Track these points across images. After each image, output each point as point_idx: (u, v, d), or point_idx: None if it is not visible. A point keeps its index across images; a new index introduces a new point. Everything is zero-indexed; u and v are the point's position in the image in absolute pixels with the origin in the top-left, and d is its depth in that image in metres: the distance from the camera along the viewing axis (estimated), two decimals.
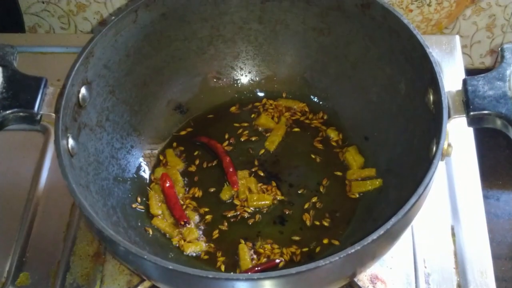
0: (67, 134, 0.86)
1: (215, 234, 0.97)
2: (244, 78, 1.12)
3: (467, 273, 0.95)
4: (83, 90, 0.90)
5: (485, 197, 1.06)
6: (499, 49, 0.88)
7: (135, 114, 1.03)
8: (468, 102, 0.84)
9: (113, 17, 0.94)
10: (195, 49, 1.06)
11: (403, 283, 0.95)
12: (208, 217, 0.99)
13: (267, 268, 0.92)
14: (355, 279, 0.92)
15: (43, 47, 1.25)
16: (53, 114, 0.85)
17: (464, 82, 0.85)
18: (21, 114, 0.86)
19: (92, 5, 1.30)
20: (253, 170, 1.03)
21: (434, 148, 0.83)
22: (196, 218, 0.99)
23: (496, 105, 0.83)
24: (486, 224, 1.00)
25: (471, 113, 0.83)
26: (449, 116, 0.83)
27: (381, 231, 0.74)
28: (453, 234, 1.00)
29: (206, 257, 0.95)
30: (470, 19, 1.29)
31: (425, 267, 0.97)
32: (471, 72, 1.01)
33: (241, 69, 1.11)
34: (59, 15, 1.33)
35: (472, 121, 0.84)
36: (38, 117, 0.86)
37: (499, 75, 0.85)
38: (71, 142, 0.86)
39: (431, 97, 0.87)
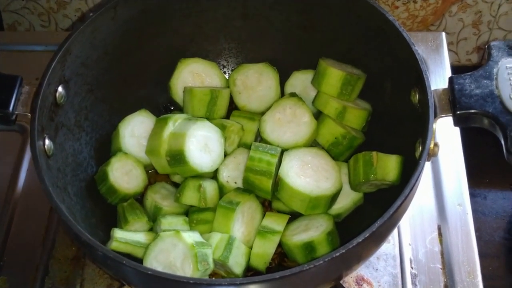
0: (43, 135, 0.83)
1: None
2: (227, 76, 1.09)
3: (455, 273, 0.94)
4: (60, 89, 0.88)
5: (472, 195, 1.05)
6: (486, 46, 0.87)
7: (116, 113, 1.00)
8: (454, 101, 0.82)
9: (91, 14, 0.91)
10: (177, 47, 1.04)
11: (390, 285, 0.93)
12: None
13: None
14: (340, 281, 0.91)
15: (22, 45, 1.22)
16: (29, 114, 0.83)
17: (451, 80, 0.84)
18: None
19: (73, 2, 1.28)
20: None
21: (420, 148, 0.81)
22: None
23: (483, 104, 0.81)
24: (474, 222, 0.99)
25: (458, 112, 0.82)
26: (435, 115, 0.82)
27: (366, 233, 0.73)
28: (440, 234, 0.98)
29: None
30: (456, 15, 1.27)
31: (412, 267, 0.95)
32: (457, 69, 0.99)
33: (224, 66, 1.09)
34: (39, 12, 1.31)
35: (458, 120, 0.83)
36: (13, 117, 0.84)
37: (486, 73, 0.84)
38: (47, 142, 0.84)
39: (417, 96, 0.86)
